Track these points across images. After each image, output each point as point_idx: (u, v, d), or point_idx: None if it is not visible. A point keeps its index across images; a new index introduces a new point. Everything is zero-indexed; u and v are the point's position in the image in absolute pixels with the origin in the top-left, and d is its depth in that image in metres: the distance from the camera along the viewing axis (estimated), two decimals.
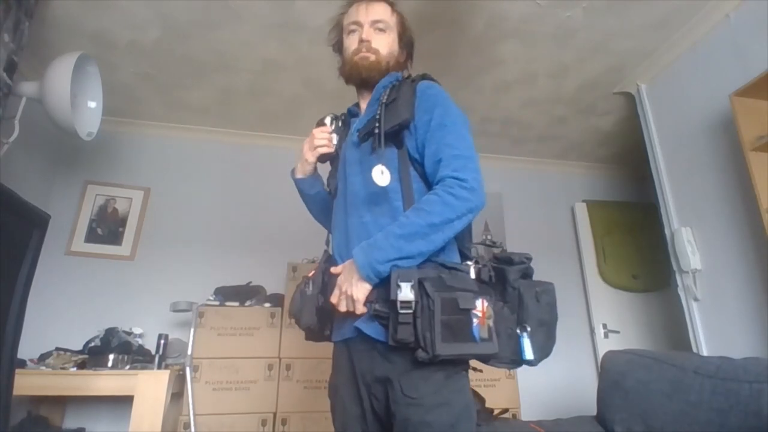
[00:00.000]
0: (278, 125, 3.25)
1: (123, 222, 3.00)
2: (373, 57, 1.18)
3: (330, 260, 1.14)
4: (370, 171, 1.04)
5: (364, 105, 1.24)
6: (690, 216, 2.39)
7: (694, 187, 2.37)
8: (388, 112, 1.06)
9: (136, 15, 2.24)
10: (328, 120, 1.26)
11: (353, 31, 1.22)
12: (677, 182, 2.49)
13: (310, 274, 1.14)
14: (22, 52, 1.95)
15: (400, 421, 0.94)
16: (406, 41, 1.28)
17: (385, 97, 1.09)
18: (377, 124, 1.05)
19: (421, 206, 0.99)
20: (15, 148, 2.09)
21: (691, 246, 2.31)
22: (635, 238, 3.47)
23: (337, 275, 1.04)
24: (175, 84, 2.81)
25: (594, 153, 3.68)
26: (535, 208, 3.65)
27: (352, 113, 1.29)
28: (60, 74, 1.98)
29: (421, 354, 0.89)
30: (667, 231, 2.52)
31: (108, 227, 2.98)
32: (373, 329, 0.98)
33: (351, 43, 1.22)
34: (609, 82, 2.81)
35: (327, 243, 1.25)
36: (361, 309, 0.97)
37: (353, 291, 0.97)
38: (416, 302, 0.90)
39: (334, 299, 1.01)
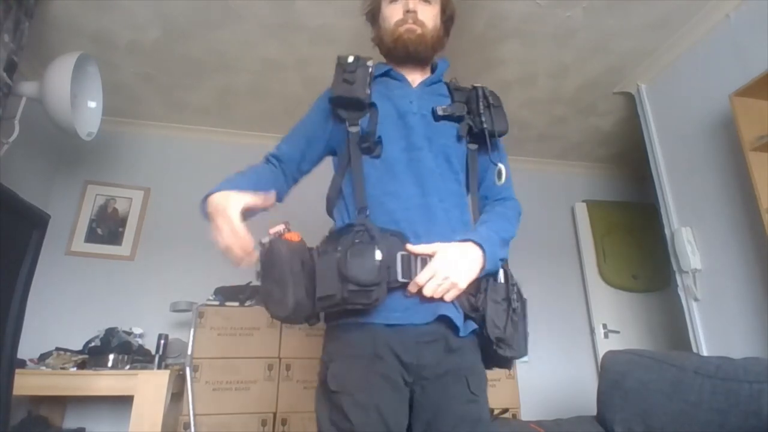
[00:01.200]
0: (278, 125, 3.24)
1: (123, 222, 3.00)
2: (419, 30, 1.10)
3: (398, 235, 0.93)
4: (441, 155, 1.06)
5: (409, 77, 1.16)
6: (690, 216, 2.39)
7: (694, 187, 2.37)
8: (496, 115, 1.09)
9: (136, 15, 2.24)
10: (351, 59, 1.08)
11: None
12: (677, 182, 2.49)
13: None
14: (22, 52, 1.95)
15: (453, 417, 0.90)
16: (448, 16, 1.20)
17: (491, 98, 1.11)
18: (483, 121, 1.07)
19: (506, 218, 1.06)
20: (15, 148, 2.09)
21: (691, 246, 2.31)
22: (635, 238, 3.47)
23: (422, 255, 0.91)
24: (175, 84, 2.81)
25: (594, 153, 3.68)
26: (535, 208, 3.63)
27: (393, 76, 1.15)
28: (60, 74, 1.98)
29: (508, 351, 0.93)
30: (667, 231, 2.51)
31: (108, 227, 2.98)
32: (460, 321, 0.93)
33: (393, 12, 1.12)
34: (609, 82, 2.80)
35: (361, 211, 0.98)
36: (453, 297, 0.91)
37: (462, 279, 0.90)
38: (517, 303, 0.95)
39: (422, 280, 0.88)
